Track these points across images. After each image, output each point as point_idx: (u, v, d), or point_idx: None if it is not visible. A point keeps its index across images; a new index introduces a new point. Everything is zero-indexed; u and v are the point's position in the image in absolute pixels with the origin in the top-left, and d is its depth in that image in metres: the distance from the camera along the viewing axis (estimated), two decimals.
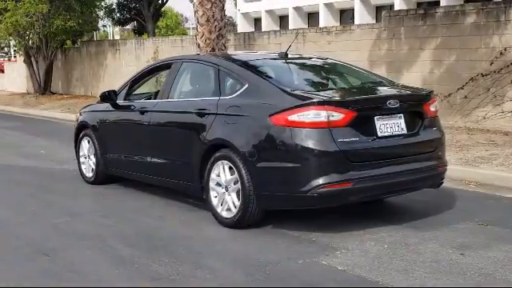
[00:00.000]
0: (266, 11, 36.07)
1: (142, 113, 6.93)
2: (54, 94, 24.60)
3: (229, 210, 5.75)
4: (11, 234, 5.83)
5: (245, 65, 6.15)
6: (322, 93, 5.62)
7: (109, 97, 7.38)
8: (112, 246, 5.33)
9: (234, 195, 5.69)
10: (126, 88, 7.50)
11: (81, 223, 6.12)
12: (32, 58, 24.17)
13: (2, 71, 32.46)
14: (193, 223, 6.02)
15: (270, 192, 5.42)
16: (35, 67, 24.22)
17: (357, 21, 29.07)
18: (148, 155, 6.86)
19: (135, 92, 7.61)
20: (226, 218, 5.76)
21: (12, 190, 7.86)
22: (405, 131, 5.66)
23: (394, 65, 12.88)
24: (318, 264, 4.75)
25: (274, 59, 6.61)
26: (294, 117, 5.25)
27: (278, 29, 31.66)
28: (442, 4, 24.62)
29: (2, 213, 6.64)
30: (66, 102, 21.64)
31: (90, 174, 8.02)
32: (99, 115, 7.80)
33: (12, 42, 24.92)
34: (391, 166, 5.52)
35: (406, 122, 5.67)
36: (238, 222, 5.64)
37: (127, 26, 33.13)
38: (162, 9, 32.00)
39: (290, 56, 6.58)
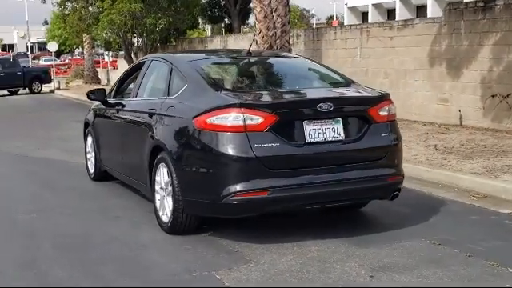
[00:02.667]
0: (374, 5, 35.05)
1: (118, 111, 6.98)
2: None
3: (166, 214, 5.60)
4: None
5: (193, 64, 5.91)
6: (251, 95, 5.30)
7: (93, 95, 7.47)
8: (37, 244, 5.41)
9: (170, 200, 5.51)
10: (116, 86, 7.58)
11: (38, 219, 6.26)
12: (132, 56, 25.24)
13: (115, 67, 34.36)
14: (139, 226, 5.93)
15: (195, 198, 5.20)
16: None
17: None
18: (119, 154, 6.90)
19: (124, 90, 7.65)
20: (163, 223, 5.63)
21: None
22: (342, 137, 5.20)
23: (454, 62, 11.95)
24: (209, 278, 4.50)
25: (232, 58, 6.36)
26: (213, 119, 5.00)
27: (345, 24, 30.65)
28: None
29: None
30: None
31: (92, 170, 8.22)
32: (97, 113, 7.95)
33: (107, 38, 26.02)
34: (321, 175, 5.09)
35: (344, 127, 5.21)
36: (172, 228, 5.49)
37: (219, 24, 33.63)
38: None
39: (253, 55, 6.26)
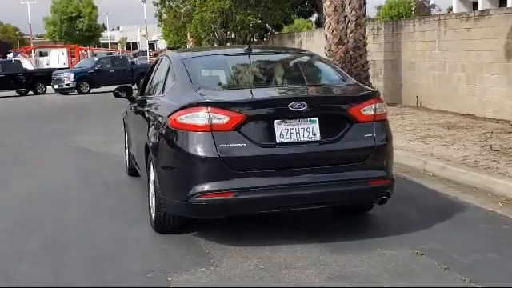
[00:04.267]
0: None
1: (135, 109, 7.09)
2: None
3: (153, 213, 5.61)
4: None
5: (186, 62, 5.83)
6: (224, 93, 5.16)
7: (119, 92, 7.63)
8: (25, 238, 5.62)
9: (154, 198, 5.52)
10: (142, 83, 7.70)
11: (46, 213, 6.52)
12: None
13: None
14: (136, 224, 5.93)
15: (169, 197, 5.16)
16: None
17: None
18: (135, 151, 7.01)
19: (144, 87, 7.73)
20: (151, 221, 5.65)
21: None
22: (318, 137, 4.93)
23: None
24: (159, 280, 4.46)
25: (229, 56, 6.25)
26: (182, 118, 4.93)
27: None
28: None
29: None
30: None
31: (127, 166, 8.43)
32: (127, 111, 8.13)
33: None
34: (292, 177, 4.87)
35: (321, 127, 4.94)
36: (156, 227, 5.50)
37: (310, 18, 33.15)
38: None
39: (253, 52, 6.08)
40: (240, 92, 5.35)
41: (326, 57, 15.09)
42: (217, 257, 4.87)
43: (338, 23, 14.06)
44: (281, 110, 4.90)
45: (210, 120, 4.79)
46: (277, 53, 6.60)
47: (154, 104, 5.90)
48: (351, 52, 14.50)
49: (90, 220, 6.21)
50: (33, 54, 53.74)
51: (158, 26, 32.87)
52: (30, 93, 30.57)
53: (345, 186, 4.96)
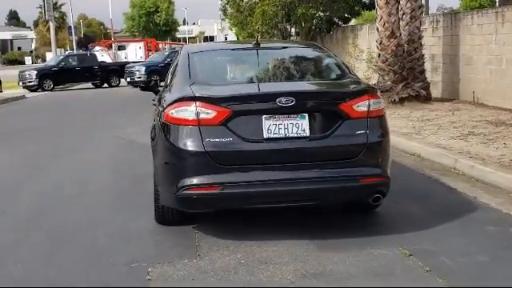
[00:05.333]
0: None
1: (154, 102, 7.21)
2: None
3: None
4: None
5: (191, 56, 5.88)
6: (216, 88, 5.17)
7: (144, 87, 7.78)
8: (30, 227, 5.87)
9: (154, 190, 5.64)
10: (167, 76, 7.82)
11: (63, 205, 6.75)
12: None
13: None
14: (142, 215, 5.98)
15: (162, 189, 5.26)
16: None
17: None
18: None
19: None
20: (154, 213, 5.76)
21: None
22: (306, 133, 4.87)
23: None
24: (139, 271, 4.54)
25: (235, 50, 6.29)
26: (173, 112, 5.00)
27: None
28: None
29: None
30: None
31: None
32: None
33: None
34: (279, 172, 4.84)
35: (310, 122, 4.88)
36: (157, 218, 5.61)
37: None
38: None
39: (261, 46, 6.02)
40: (232, 87, 5.36)
41: (377, 50, 14.84)
42: (204, 250, 4.93)
43: (390, 16, 13.74)
44: (268, 105, 4.88)
45: (197, 114, 4.84)
46: (284, 47, 6.53)
47: (160, 98, 6.01)
48: (405, 45, 14.13)
49: (99, 213, 6.33)
50: (113, 47, 55.58)
51: (221, 19, 33.16)
52: (105, 85, 31.67)
53: (333, 183, 4.88)
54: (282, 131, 4.86)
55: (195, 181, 4.84)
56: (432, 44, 15.65)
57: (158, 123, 5.49)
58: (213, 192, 4.83)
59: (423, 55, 14.49)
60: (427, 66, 15.14)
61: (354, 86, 5.28)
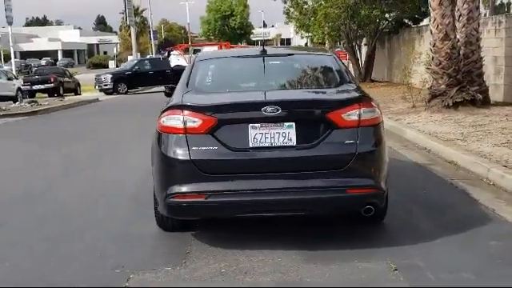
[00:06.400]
0: None
1: None
2: (373, 81, 25.20)
3: None
4: None
5: (197, 63, 5.92)
6: (208, 96, 5.18)
7: (169, 93, 7.86)
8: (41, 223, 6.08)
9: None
10: None
11: (81, 202, 6.96)
12: (354, 45, 25.18)
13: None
14: (149, 220, 6.08)
15: (155, 196, 5.32)
16: (357, 54, 25.26)
17: None
18: None
19: None
20: None
21: None
22: (293, 143, 4.80)
23: None
24: (120, 276, 4.61)
25: (240, 57, 6.27)
26: (164, 120, 5.06)
27: None
28: None
29: None
30: (369, 90, 22.09)
31: None
32: None
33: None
34: (265, 182, 4.79)
35: (298, 132, 4.79)
36: (158, 223, 5.68)
37: None
38: None
39: (267, 53, 5.95)
40: (221, 95, 5.35)
41: (430, 53, 14.36)
42: (192, 257, 4.95)
43: (444, 17, 13.25)
44: (254, 114, 4.84)
45: (184, 123, 4.88)
46: (289, 54, 6.46)
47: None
48: (462, 48, 13.61)
49: (111, 213, 6.49)
50: (189, 51, 56.74)
51: (285, 23, 33.03)
52: None
53: (319, 193, 4.77)
54: (268, 140, 4.81)
55: (181, 189, 4.87)
56: (495, 46, 15.01)
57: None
58: (198, 200, 4.84)
59: (481, 58, 13.90)
60: (489, 68, 14.52)
61: (345, 94, 5.15)
